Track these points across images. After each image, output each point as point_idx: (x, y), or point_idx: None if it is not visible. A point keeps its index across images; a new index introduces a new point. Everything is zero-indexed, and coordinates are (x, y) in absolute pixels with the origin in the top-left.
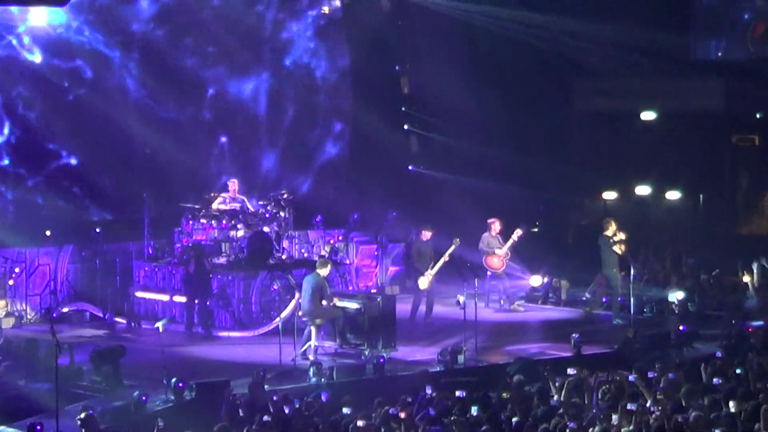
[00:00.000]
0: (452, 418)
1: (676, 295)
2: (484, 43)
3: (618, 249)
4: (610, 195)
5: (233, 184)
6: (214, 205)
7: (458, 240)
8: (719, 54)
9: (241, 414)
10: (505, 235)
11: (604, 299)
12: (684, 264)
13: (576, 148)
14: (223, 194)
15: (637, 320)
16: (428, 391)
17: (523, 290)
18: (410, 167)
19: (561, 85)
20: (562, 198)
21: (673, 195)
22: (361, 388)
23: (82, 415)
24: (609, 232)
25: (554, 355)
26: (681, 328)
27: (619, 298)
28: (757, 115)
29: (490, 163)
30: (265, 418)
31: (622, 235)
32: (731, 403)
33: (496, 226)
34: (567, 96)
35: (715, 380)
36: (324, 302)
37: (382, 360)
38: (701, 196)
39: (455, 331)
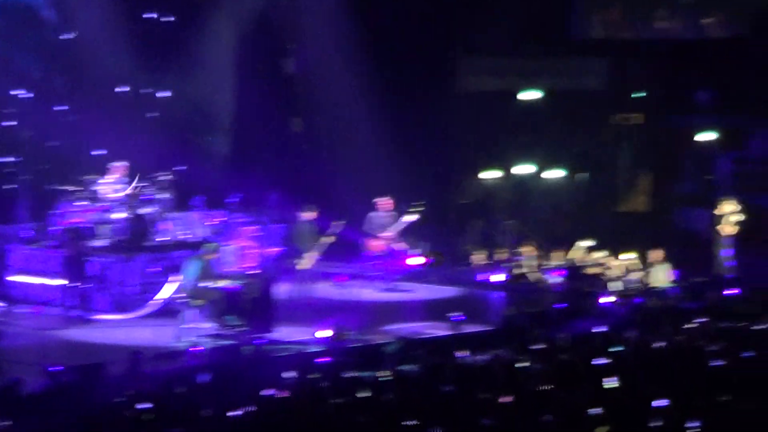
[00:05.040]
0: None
1: (556, 274)
2: (368, 24)
3: (725, 228)
4: (492, 174)
5: (118, 166)
6: (103, 190)
7: (340, 222)
8: (600, 33)
9: (121, 399)
10: (394, 214)
11: None
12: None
13: (459, 128)
14: (108, 177)
15: (515, 298)
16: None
17: (404, 269)
18: (293, 147)
19: (445, 64)
20: (445, 177)
21: (554, 174)
22: (241, 369)
23: None
24: (721, 211)
25: (434, 334)
26: (559, 305)
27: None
28: (638, 94)
29: (375, 142)
30: (144, 404)
31: (735, 217)
32: (609, 379)
33: (384, 205)
34: (451, 75)
35: (597, 359)
36: (207, 284)
37: (261, 341)
38: (582, 175)
39: (335, 312)
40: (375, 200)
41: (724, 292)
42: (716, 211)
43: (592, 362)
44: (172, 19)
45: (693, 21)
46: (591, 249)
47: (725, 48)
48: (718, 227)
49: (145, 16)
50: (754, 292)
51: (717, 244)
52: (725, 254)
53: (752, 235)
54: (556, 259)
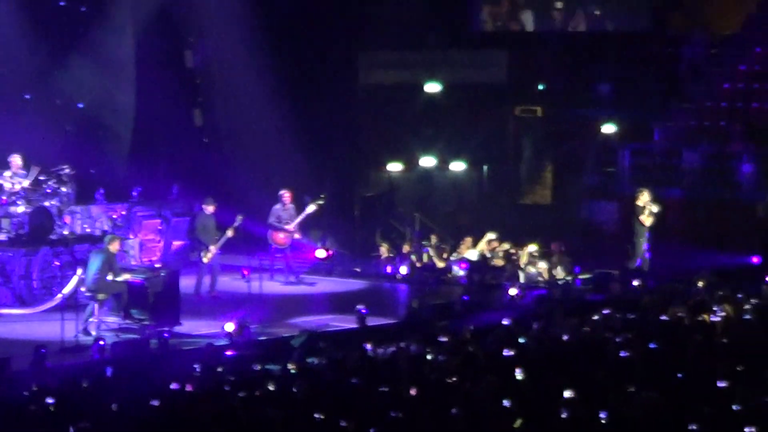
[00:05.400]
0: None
1: (461, 266)
2: (269, 17)
3: (645, 219)
4: (395, 167)
5: (15, 158)
6: (3, 183)
7: (241, 217)
8: (501, 25)
9: (25, 393)
10: (297, 206)
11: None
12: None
13: (361, 121)
14: (6, 171)
15: (421, 290)
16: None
17: (309, 262)
18: (194, 140)
19: (346, 57)
20: (348, 170)
21: (457, 166)
22: (146, 363)
23: None
24: (639, 202)
25: (339, 327)
26: (464, 297)
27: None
28: (539, 87)
29: (277, 135)
30: (49, 399)
31: (654, 207)
32: (517, 371)
33: (287, 197)
34: (352, 68)
35: (503, 350)
36: (110, 277)
37: (166, 335)
38: (485, 167)
39: (240, 305)
40: (280, 193)
41: (630, 284)
42: (637, 202)
43: (498, 354)
44: (74, 10)
45: (595, 14)
46: (495, 241)
47: (627, 41)
48: (639, 218)
49: (47, 6)
50: (659, 284)
51: (623, 235)
52: (641, 245)
53: (655, 227)
54: (461, 251)
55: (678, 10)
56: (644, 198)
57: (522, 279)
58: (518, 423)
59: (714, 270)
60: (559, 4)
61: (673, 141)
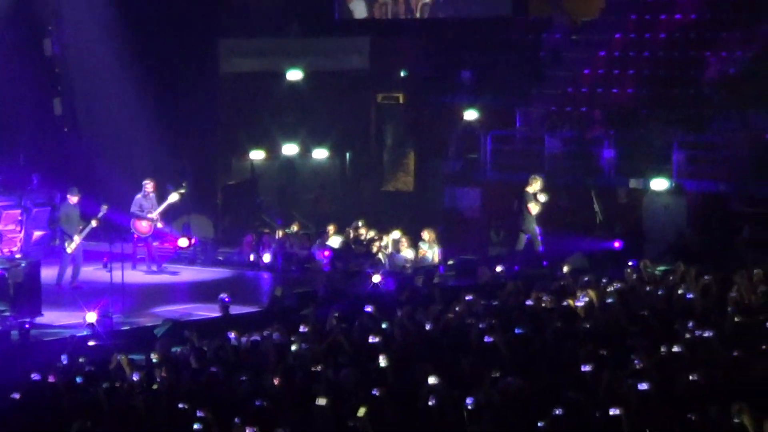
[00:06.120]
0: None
1: (324, 253)
2: (128, 4)
3: (534, 207)
4: (257, 155)
5: None
6: None
7: (107, 206)
8: (363, 12)
9: None
10: (159, 196)
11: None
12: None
13: (223, 108)
14: None
15: (284, 278)
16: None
17: (172, 251)
18: (54, 130)
19: (206, 45)
20: (210, 158)
21: (320, 154)
22: (7, 355)
23: None
24: (531, 189)
25: (203, 315)
26: (327, 285)
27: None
28: (401, 74)
29: (138, 124)
30: None
31: (542, 197)
32: (381, 358)
33: (149, 187)
34: (213, 56)
35: (367, 337)
36: None
37: (27, 326)
38: (348, 154)
39: (102, 295)
40: (143, 182)
41: (494, 269)
42: (528, 188)
43: (363, 341)
44: None
45: (455, 1)
46: (359, 228)
47: (488, 27)
48: (528, 205)
49: None
50: (523, 269)
51: (485, 221)
52: (534, 228)
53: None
54: (324, 238)
55: None
56: (536, 186)
57: (387, 266)
58: (362, 411)
59: (582, 254)
60: None
61: (535, 127)
